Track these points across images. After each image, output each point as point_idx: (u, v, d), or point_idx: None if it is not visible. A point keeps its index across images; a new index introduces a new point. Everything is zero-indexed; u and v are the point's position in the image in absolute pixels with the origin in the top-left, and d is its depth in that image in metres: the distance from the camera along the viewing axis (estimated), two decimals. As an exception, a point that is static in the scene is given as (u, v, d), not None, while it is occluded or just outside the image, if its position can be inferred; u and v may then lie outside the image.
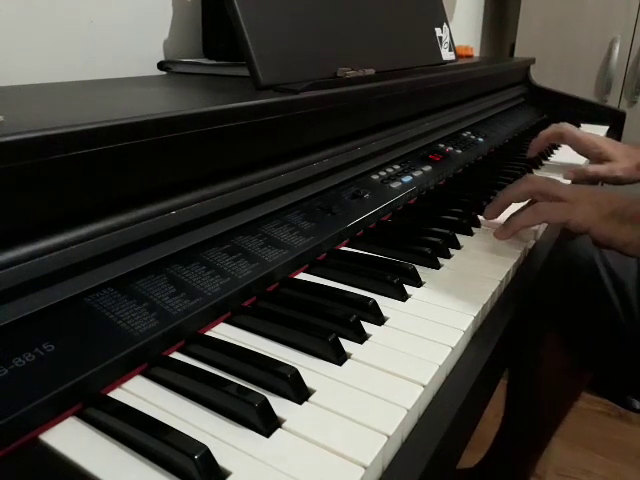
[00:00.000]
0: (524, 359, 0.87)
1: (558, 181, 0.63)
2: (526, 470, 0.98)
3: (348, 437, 0.32)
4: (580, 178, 0.95)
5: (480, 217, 0.69)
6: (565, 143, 1.02)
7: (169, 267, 0.44)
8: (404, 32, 0.95)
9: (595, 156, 0.97)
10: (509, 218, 0.63)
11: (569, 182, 0.91)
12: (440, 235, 0.62)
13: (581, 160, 1.03)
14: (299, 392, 0.36)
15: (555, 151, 1.15)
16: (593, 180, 0.98)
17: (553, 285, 0.68)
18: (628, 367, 0.67)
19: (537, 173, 0.98)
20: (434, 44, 1.06)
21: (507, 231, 0.62)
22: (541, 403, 0.89)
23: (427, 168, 0.82)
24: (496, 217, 0.67)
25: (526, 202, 0.65)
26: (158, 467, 0.30)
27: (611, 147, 0.96)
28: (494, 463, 1.01)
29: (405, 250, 0.58)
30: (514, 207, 0.66)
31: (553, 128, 1.02)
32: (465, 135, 1.05)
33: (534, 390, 0.88)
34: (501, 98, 1.37)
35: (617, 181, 0.95)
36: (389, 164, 0.78)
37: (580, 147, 0.99)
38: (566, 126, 1.02)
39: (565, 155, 1.06)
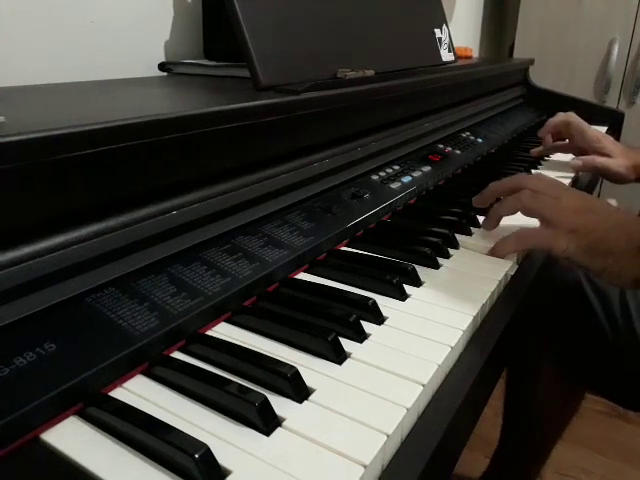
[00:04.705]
0: (520, 373, 0.87)
1: (545, 195, 0.60)
2: None
3: (348, 436, 0.33)
4: (587, 168, 0.96)
5: (480, 217, 0.69)
6: (571, 132, 1.03)
7: (170, 267, 0.44)
8: (404, 33, 0.95)
9: (595, 150, 0.98)
10: (495, 245, 0.61)
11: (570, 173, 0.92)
12: (440, 235, 0.62)
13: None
14: (299, 391, 0.36)
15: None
16: (598, 171, 0.99)
17: (541, 306, 0.69)
18: (619, 380, 0.68)
19: (537, 172, 0.98)
20: (433, 45, 1.06)
21: (492, 256, 0.61)
22: (539, 418, 0.89)
23: (427, 168, 0.82)
24: (484, 205, 0.67)
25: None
26: (159, 466, 0.30)
27: (611, 144, 0.98)
28: (494, 477, 1.01)
29: (405, 250, 0.58)
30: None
31: (562, 117, 1.04)
32: (464, 136, 1.05)
33: (531, 406, 0.88)
34: (500, 99, 1.37)
35: (616, 177, 0.96)
36: (389, 164, 0.78)
37: (584, 139, 1.00)
38: (574, 116, 1.03)
39: (565, 154, 1.07)
